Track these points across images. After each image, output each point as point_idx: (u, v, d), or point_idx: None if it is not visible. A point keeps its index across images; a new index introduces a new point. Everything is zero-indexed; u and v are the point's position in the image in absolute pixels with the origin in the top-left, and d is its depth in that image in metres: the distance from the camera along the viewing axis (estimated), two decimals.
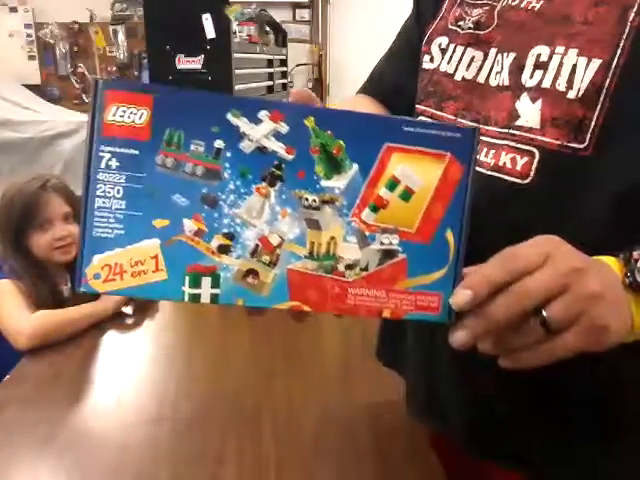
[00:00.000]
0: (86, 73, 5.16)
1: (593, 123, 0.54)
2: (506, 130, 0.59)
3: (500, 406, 0.64)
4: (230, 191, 0.43)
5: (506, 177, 0.58)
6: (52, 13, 4.97)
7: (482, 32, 0.63)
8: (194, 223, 0.43)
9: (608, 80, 0.53)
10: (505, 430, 0.64)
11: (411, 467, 0.79)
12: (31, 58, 5.06)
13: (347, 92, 5.55)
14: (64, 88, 5.16)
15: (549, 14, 0.58)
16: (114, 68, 5.15)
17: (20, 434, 0.86)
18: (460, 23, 0.66)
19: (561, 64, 0.56)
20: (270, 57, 4.11)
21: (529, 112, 0.57)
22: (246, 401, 0.94)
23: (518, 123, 0.58)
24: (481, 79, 0.62)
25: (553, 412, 0.61)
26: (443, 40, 0.67)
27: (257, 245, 0.45)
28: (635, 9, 0.53)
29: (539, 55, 0.57)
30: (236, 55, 3.16)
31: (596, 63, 0.54)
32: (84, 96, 5.19)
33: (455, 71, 0.65)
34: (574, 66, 0.55)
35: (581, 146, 0.54)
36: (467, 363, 0.61)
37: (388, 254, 0.46)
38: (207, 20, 2.99)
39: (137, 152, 0.42)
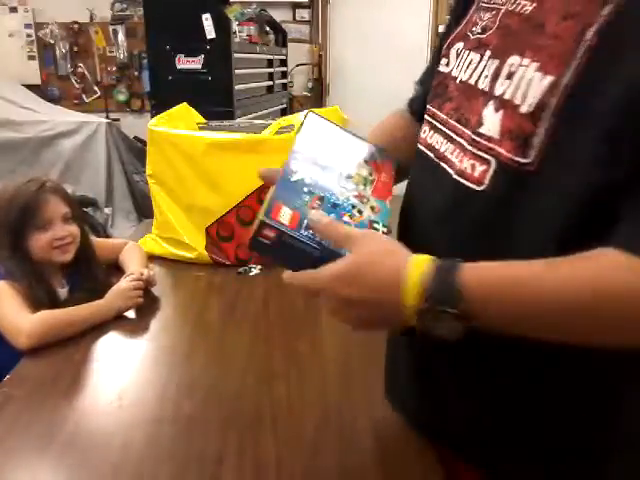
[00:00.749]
0: (86, 73, 5.16)
1: (539, 140, 0.55)
2: (474, 136, 0.61)
3: (445, 388, 0.70)
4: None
5: (465, 182, 0.62)
6: (52, 13, 4.97)
7: (484, 36, 0.65)
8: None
9: (555, 98, 0.53)
10: (451, 411, 0.71)
11: (411, 467, 0.80)
12: (31, 58, 5.05)
13: (347, 92, 5.57)
14: (64, 88, 5.16)
15: (534, 20, 0.58)
16: (114, 68, 5.15)
17: (20, 434, 0.86)
18: (473, 28, 0.68)
19: (522, 77, 0.57)
20: (270, 57, 4.11)
21: (491, 121, 0.59)
22: (246, 401, 0.95)
23: (481, 130, 0.60)
24: (472, 81, 0.64)
25: (494, 394, 0.66)
26: (460, 45, 0.69)
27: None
28: (594, 28, 0.52)
29: (512, 64, 0.58)
30: (236, 55, 3.16)
31: (547, 80, 0.54)
32: (84, 96, 5.19)
33: (458, 74, 0.68)
34: (530, 80, 0.56)
35: (526, 161, 0.56)
36: (420, 349, 0.70)
37: None
38: (207, 20, 3.00)
39: None
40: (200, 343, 1.16)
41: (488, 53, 0.63)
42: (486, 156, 0.60)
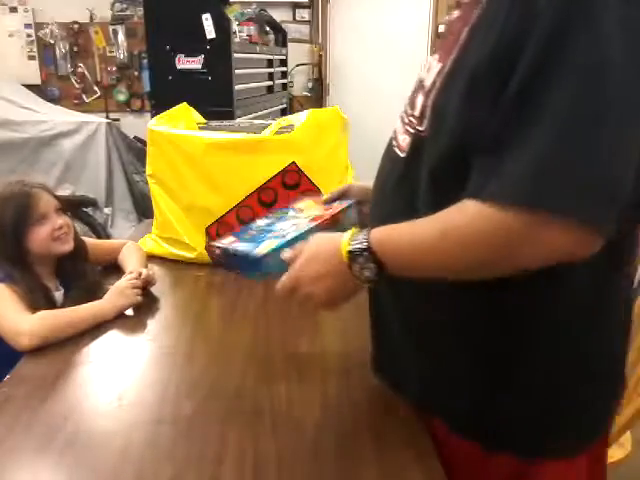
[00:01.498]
0: (86, 73, 5.16)
1: (428, 111, 0.73)
2: (410, 117, 0.79)
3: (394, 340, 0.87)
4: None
5: (398, 151, 0.81)
6: (52, 13, 4.97)
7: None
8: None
9: (439, 80, 0.71)
10: (399, 361, 0.87)
11: (412, 468, 0.80)
12: (31, 58, 5.05)
13: (347, 92, 5.57)
14: (64, 88, 5.16)
15: (452, 24, 0.75)
16: (114, 68, 5.15)
17: (20, 434, 0.86)
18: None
19: (432, 67, 0.75)
20: (270, 57, 4.11)
21: (418, 104, 0.77)
22: (246, 401, 0.95)
23: (415, 112, 0.77)
24: (422, 76, 0.79)
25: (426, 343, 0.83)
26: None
27: None
28: (468, 27, 0.68)
29: (432, 59, 0.77)
30: (236, 55, 3.16)
31: (438, 66, 0.73)
32: (84, 96, 5.19)
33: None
34: (433, 67, 0.74)
35: (421, 129, 0.75)
36: (378, 317, 0.91)
37: None
38: (207, 20, 2.99)
39: None
40: (200, 343, 1.16)
41: (434, 55, 0.79)
42: (410, 130, 0.78)
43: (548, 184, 0.60)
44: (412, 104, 0.79)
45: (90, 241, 1.50)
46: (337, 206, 1.12)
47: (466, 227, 0.65)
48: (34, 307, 1.19)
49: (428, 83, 0.74)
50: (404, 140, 0.80)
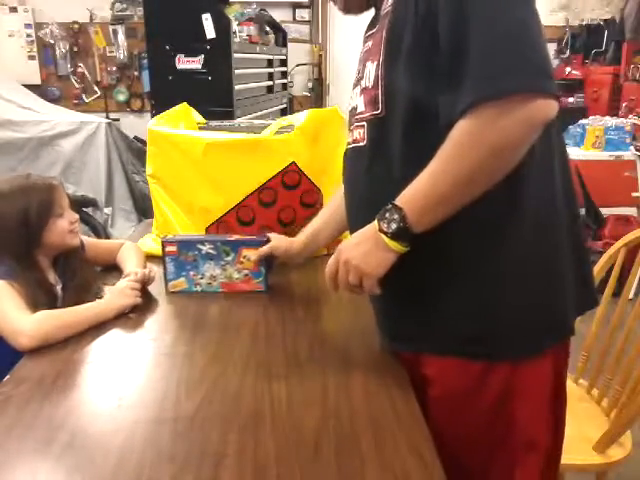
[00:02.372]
0: (86, 73, 5.16)
1: (381, 96, 0.92)
2: (357, 115, 1.00)
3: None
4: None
5: (357, 145, 1.01)
6: (52, 13, 4.97)
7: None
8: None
9: (380, 71, 0.92)
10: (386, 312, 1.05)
11: (412, 468, 0.80)
12: (31, 58, 5.06)
13: (347, 92, 5.53)
14: (64, 88, 5.16)
15: (372, 44, 0.97)
16: (114, 68, 5.15)
17: (20, 434, 0.86)
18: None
19: (369, 69, 0.96)
20: (270, 57, 4.11)
21: (360, 103, 0.99)
22: (246, 401, 0.95)
23: (359, 110, 1.00)
24: (363, 84, 1.00)
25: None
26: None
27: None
28: (385, 29, 0.91)
29: (367, 65, 0.97)
30: (236, 55, 3.16)
31: (374, 64, 0.94)
32: (84, 96, 5.20)
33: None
34: (369, 69, 0.95)
35: (378, 112, 0.94)
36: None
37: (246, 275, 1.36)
38: (207, 20, 3.00)
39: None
40: (200, 343, 1.16)
41: (357, 80, 1.04)
42: (362, 123, 0.98)
43: (505, 75, 0.76)
44: (355, 107, 1.01)
45: (88, 240, 1.51)
46: (253, 285, 1.38)
47: (460, 144, 0.81)
48: (35, 304, 1.19)
49: (371, 81, 0.94)
50: (359, 133, 0.99)
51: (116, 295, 1.26)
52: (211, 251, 1.35)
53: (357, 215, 1.03)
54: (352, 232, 1.00)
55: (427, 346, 0.98)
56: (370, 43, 0.98)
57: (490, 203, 0.85)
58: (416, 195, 0.86)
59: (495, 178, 0.82)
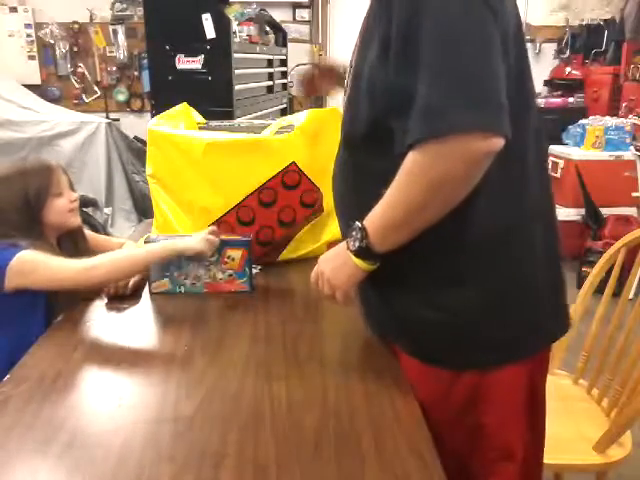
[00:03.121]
0: (86, 73, 5.16)
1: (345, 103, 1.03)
2: None
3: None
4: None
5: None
6: (52, 13, 4.97)
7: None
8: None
9: (351, 72, 0.98)
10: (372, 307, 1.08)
11: (412, 468, 0.80)
12: (31, 58, 5.06)
13: None
14: (64, 88, 5.16)
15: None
16: (114, 68, 5.15)
17: (20, 434, 0.86)
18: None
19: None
20: (270, 57, 4.11)
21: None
22: (246, 401, 0.95)
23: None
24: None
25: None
26: None
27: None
28: (363, 26, 0.95)
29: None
30: (236, 55, 3.16)
31: (351, 70, 0.98)
32: (84, 96, 5.20)
33: None
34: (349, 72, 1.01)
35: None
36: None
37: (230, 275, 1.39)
38: (207, 20, 2.99)
39: None
40: (200, 343, 1.16)
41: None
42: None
43: (445, 114, 0.78)
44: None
45: (89, 233, 1.54)
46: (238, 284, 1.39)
47: (409, 173, 0.84)
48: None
49: (349, 83, 1.00)
50: None
51: (194, 238, 1.31)
52: None
53: (341, 206, 1.11)
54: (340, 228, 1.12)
55: (403, 345, 1.03)
56: (358, 41, 1.00)
57: (439, 225, 0.88)
58: (375, 217, 0.91)
59: (445, 208, 0.85)
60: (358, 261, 0.94)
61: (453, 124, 0.78)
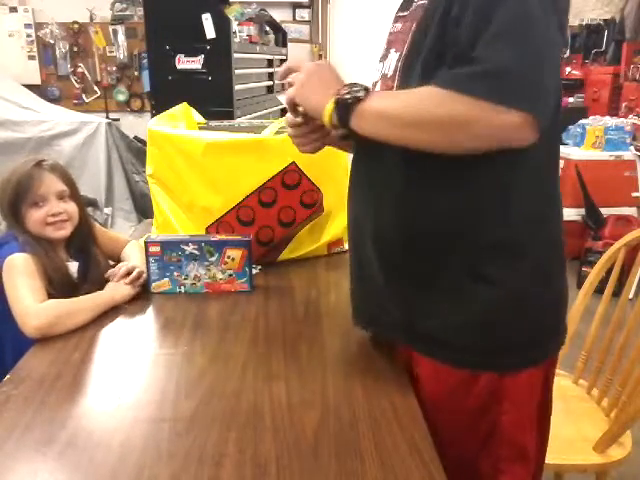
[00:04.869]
0: (86, 73, 5.16)
1: (395, 88, 0.92)
2: None
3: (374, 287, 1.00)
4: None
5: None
6: (52, 13, 4.97)
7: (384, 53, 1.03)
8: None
9: (399, 64, 0.92)
10: (377, 304, 1.01)
11: (412, 468, 0.80)
12: (31, 58, 5.06)
13: None
14: (64, 88, 5.16)
15: (401, 31, 0.95)
16: (114, 68, 5.15)
17: (20, 434, 0.86)
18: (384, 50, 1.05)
19: (391, 59, 0.96)
20: (270, 57, 4.11)
21: (378, 89, 0.98)
22: (246, 401, 0.95)
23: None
24: (383, 72, 1.00)
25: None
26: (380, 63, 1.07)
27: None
28: (415, 23, 0.89)
29: (390, 54, 0.97)
30: (236, 55, 3.16)
31: (397, 54, 0.93)
32: (84, 96, 5.20)
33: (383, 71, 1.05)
34: (392, 58, 0.95)
35: None
36: (362, 274, 1.03)
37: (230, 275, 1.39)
38: (207, 20, 3.00)
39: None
40: (200, 343, 1.16)
41: (380, 60, 1.01)
42: None
43: (507, 84, 0.75)
44: (374, 86, 1.00)
45: (100, 228, 1.54)
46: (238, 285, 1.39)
47: (443, 103, 0.78)
48: (49, 279, 1.25)
49: (391, 70, 0.94)
50: None
51: (112, 288, 1.31)
52: (195, 251, 1.35)
53: (356, 196, 1.04)
54: (349, 213, 1.07)
55: (419, 346, 0.99)
56: (399, 26, 0.97)
57: (485, 220, 0.88)
58: (383, 97, 0.87)
59: (443, 148, 0.82)
60: (330, 108, 0.87)
61: (521, 100, 0.75)
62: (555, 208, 0.95)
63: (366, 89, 0.86)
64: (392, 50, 0.96)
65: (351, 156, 1.10)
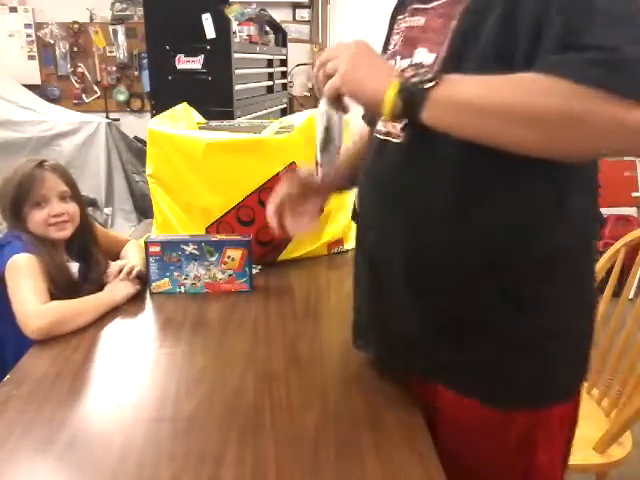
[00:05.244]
0: (86, 73, 5.16)
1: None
2: None
3: (402, 329, 0.89)
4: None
5: (392, 139, 0.85)
6: (52, 13, 4.96)
7: (395, 49, 0.91)
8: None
9: (438, 67, 0.78)
10: (408, 347, 0.90)
11: (412, 468, 0.80)
12: (31, 58, 5.05)
13: None
14: (64, 88, 5.15)
15: (424, 27, 0.84)
16: (114, 68, 5.15)
17: (20, 434, 0.86)
18: (389, 47, 0.94)
19: (422, 58, 0.82)
20: (270, 57, 4.10)
21: None
22: (246, 401, 0.95)
23: None
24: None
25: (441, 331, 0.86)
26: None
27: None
28: (454, 21, 0.77)
29: (417, 53, 0.84)
30: (236, 55, 3.16)
31: (432, 55, 0.80)
32: (84, 96, 5.19)
33: None
34: (423, 57, 0.82)
35: None
36: (380, 295, 0.92)
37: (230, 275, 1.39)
38: (207, 20, 2.99)
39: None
40: (200, 343, 1.16)
41: (398, 58, 0.88)
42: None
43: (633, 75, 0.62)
44: None
45: (100, 228, 1.54)
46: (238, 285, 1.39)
47: (548, 91, 0.64)
48: (51, 279, 1.25)
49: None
50: (394, 127, 0.84)
51: (111, 289, 1.32)
52: (195, 251, 1.35)
53: (381, 211, 0.90)
54: (364, 225, 0.96)
55: (443, 379, 0.90)
56: (421, 20, 0.84)
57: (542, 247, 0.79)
58: (461, 82, 0.70)
59: (540, 147, 0.68)
60: (392, 94, 0.72)
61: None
62: (597, 226, 0.89)
63: (437, 71, 0.74)
64: (421, 50, 0.83)
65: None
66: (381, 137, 0.89)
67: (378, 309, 0.95)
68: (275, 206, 1.06)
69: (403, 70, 0.75)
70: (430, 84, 0.69)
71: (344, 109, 0.84)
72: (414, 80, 0.71)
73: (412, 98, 0.70)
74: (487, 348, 0.83)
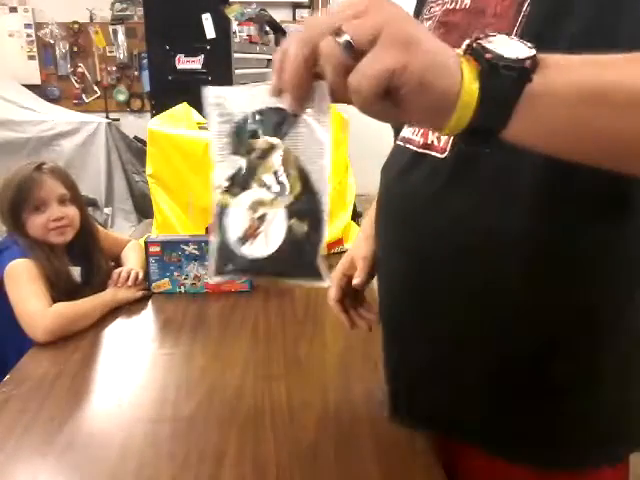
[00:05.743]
0: (86, 73, 5.16)
1: None
2: None
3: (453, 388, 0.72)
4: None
5: (433, 153, 0.66)
6: (52, 13, 4.96)
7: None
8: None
9: None
10: (460, 408, 0.73)
11: (411, 468, 0.80)
12: (31, 58, 5.05)
13: None
14: (64, 88, 5.15)
15: (474, 9, 0.66)
16: (114, 68, 5.15)
17: (20, 434, 0.86)
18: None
19: None
20: (270, 57, 4.10)
21: None
22: (246, 401, 0.95)
23: None
24: None
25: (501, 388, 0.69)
26: None
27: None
28: (528, 2, 0.60)
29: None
30: (236, 55, 3.16)
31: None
32: (84, 96, 5.19)
33: None
34: None
35: None
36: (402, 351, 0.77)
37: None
38: (207, 20, 2.99)
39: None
40: (200, 343, 1.16)
41: None
42: None
43: None
44: None
45: (100, 229, 1.53)
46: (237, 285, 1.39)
47: None
48: (51, 283, 1.25)
49: None
50: (439, 139, 0.66)
51: (114, 289, 1.33)
52: (195, 251, 1.35)
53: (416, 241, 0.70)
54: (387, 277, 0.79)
55: (484, 445, 0.74)
56: (467, 2, 0.67)
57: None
58: (568, 62, 0.44)
59: None
60: (472, 77, 0.42)
61: None
62: None
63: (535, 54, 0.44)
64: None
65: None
66: (414, 149, 0.69)
67: (413, 373, 0.77)
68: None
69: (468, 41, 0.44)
70: (531, 61, 0.42)
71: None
72: (501, 63, 0.42)
73: (503, 95, 0.42)
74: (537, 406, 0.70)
